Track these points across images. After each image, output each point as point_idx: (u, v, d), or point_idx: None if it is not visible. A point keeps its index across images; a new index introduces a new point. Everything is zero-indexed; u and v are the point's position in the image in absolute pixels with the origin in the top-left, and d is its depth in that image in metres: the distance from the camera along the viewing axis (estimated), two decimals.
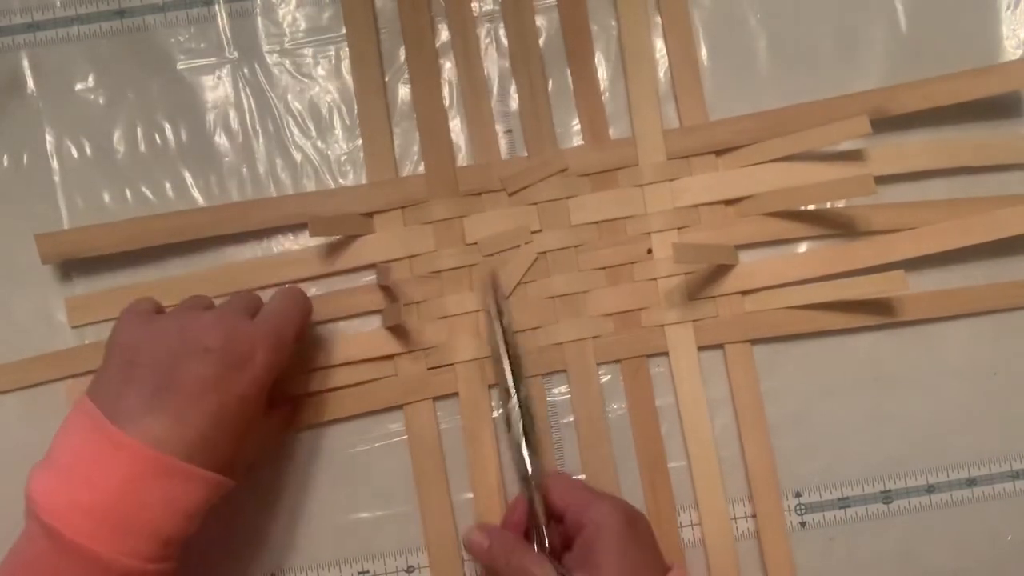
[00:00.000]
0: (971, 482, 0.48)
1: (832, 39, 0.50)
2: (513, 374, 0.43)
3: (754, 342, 0.48)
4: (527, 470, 0.42)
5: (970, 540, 0.48)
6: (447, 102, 0.49)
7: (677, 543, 0.47)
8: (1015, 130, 0.49)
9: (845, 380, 0.48)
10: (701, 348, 0.48)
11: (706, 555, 0.47)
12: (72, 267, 0.48)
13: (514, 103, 0.49)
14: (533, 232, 0.48)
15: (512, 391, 0.43)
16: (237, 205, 0.48)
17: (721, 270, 0.47)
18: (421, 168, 0.49)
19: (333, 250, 0.48)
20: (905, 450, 0.48)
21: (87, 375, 0.47)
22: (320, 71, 0.49)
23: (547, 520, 0.41)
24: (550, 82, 0.49)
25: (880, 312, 0.48)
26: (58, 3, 0.49)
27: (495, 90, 0.49)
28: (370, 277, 0.48)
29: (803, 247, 0.48)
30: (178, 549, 0.38)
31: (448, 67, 0.49)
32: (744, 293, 0.48)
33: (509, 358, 0.43)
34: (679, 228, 0.48)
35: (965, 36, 0.50)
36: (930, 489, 0.48)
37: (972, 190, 0.49)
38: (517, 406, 0.42)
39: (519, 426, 0.42)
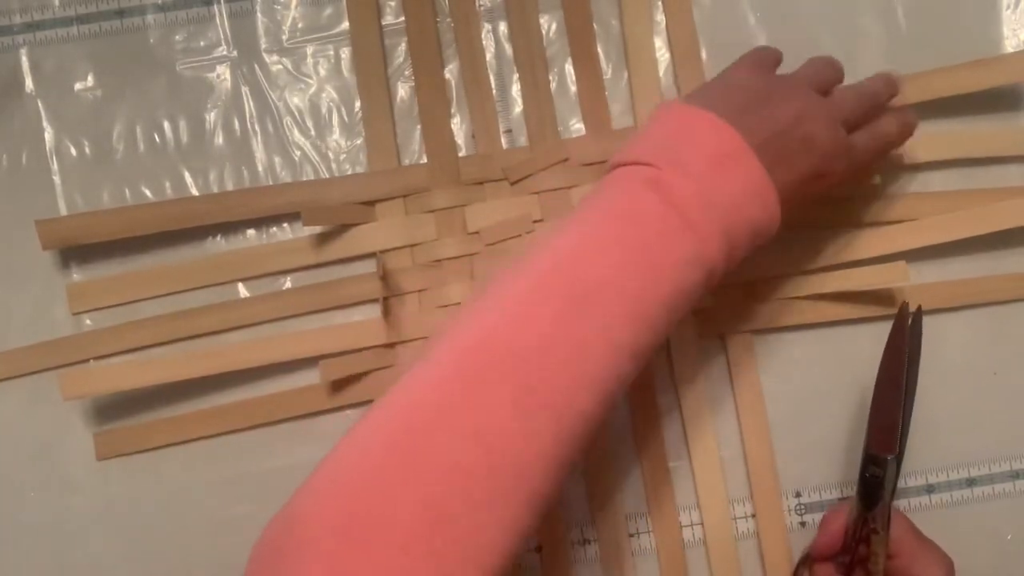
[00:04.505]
0: (971, 482, 0.48)
1: (831, 40, 0.50)
2: None
3: (755, 333, 0.48)
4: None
5: (970, 540, 0.48)
6: (451, 92, 0.49)
7: (679, 543, 0.47)
8: (1015, 122, 0.49)
9: (845, 379, 0.48)
10: (702, 338, 0.48)
11: (707, 555, 0.47)
12: (72, 265, 0.48)
13: (513, 103, 0.49)
14: (535, 221, 0.48)
15: None
16: (239, 193, 0.48)
17: None
18: (421, 161, 0.49)
19: (334, 238, 0.48)
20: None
21: (81, 363, 0.47)
22: (319, 70, 0.50)
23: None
24: (553, 82, 0.49)
25: (881, 303, 0.48)
26: (58, 3, 0.49)
27: (494, 88, 0.49)
28: (371, 268, 0.48)
29: (804, 238, 0.48)
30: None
31: (451, 64, 0.49)
32: (745, 283, 0.48)
33: None
34: None
35: (965, 36, 0.50)
36: (930, 489, 0.48)
37: (972, 182, 0.49)
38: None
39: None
